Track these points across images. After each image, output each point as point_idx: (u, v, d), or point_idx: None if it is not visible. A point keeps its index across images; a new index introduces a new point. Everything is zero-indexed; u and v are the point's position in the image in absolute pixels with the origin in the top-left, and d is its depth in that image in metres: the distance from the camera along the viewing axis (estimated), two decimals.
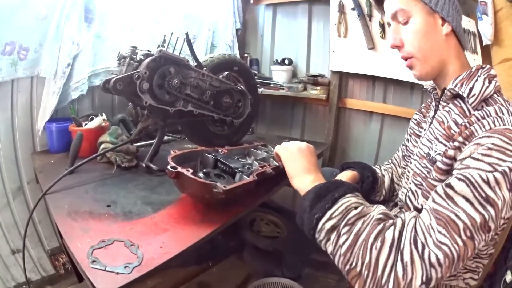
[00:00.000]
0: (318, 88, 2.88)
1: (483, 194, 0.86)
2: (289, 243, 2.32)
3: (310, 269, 1.29)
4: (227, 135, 2.15)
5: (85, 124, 2.07)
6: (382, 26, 2.50)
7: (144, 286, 1.13)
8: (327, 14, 2.82)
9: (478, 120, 1.01)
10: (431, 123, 1.29)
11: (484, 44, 2.05)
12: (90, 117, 2.14)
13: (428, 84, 1.40)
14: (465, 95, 1.10)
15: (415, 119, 1.52)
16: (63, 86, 2.10)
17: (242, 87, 2.06)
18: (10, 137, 2.10)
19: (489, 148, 0.91)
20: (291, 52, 3.20)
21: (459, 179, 0.90)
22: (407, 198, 1.28)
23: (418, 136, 1.43)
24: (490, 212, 0.86)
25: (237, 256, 2.44)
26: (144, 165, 1.77)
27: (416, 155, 1.30)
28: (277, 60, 3.17)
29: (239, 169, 1.49)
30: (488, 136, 0.93)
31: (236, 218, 1.37)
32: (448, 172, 1.04)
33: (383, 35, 2.52)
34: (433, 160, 1.15)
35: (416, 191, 1.23)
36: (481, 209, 0.86)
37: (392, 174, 1.70)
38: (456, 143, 1.01)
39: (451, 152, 1.02)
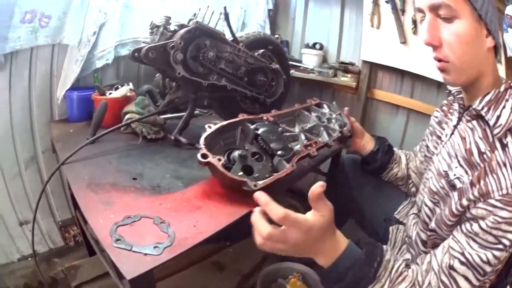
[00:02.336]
0: (349, 75, 2.84)
1: (482, 272, 0.97)
2: None
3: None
4: (257, 113, 2.06)
5: (109, 94, 2.02)
6: (414, 22, 2.45)
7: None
8: (360, 3, 2.77)
9: (499, 166, 0.98)
10: (452, 133, 1.25)
11: (508, 55, 2.02)
12: (115, 86, 2.10)
13: (454, 88, 1.32)
14: (491, 123, 1.04)
15: (436, 117, 1.49)
16: (87, 55, 2.06)
17: (277, 66, 2.00)
18: (26, 105, 2.07)
19: (499, 222, 0.94)
20: (322, 37, 3.15)
21: (462, 262, 0.98)
22: (423, 212, 1.27)
23: (439, 137, 1.40)
24: (489, 275, 0.99)
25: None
26: (172, 137, 1.72)
27: (435, 168, 1.26)
28: (308, 44, 3.13)
29: (280, 152, 1.37)
30: (501, 208, 0.94)
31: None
32: (460, 217, 1.05)
33: (415, 31, 2.47)
34: (451, 183, 1.13)
35: (433, 209, 1.22)
36: (480, 280, 0.98)
37: (408, 157, 1.74)
38: (472, 196, 0.99)
39: (465, 203, 1.01)
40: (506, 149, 0.99)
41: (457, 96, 1.28)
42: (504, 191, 0.94)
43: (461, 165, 1.10)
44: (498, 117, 1.02)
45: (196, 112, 2.33)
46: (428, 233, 1.20)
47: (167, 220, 1.08)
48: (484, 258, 0.96)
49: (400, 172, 1.71)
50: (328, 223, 0.96)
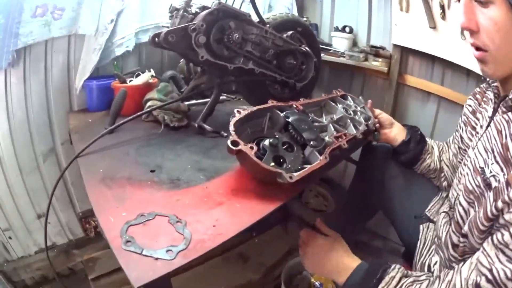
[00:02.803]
0: (380, 60, 2.74)
1: None
2: (334, 219, 2.24)
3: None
4: (286, 99, 1.97)
5: (130, 81, 1.97)
6: (442, 7, 2.33)
7: None
8: None
9: None
10: (488, 125, 1.15)
11: None
12: (136, 73, 2.05)
13: None
14: None
15: (470, 106, 1.41)
16: (105, 43, 2.02)
17: (307, 48, 1.92)
18: (43, 98, 2.06)
19: None
20: (351, 20, 3.05)
21: (488, 280, 0.87)
22: (457, 213, 1.16)
23: (474, 128, 1.32)
24: None
25: (282, 226, 2.36)
26: (196, 125, 1.64)
27: (471, 164, 1.15)
28: (337, 27, 3.03)
29: (312, 143, 1.28)
30: None
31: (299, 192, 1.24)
32: (493, 223, 0.94)
33: (443, 16, 2.35)
34: (486, 182, 1.02)
35: (468, 210, 1.11)
36: None
37: (442, 149, 1.68)
38: (507, 198, 0.87)
39: (500, 205, 0.89)
40: None
41: (492, 84, 1.20)
42: None
43: (497, 162, 1.00)
44: None
45: (223, 97, 2.28)
46: (461, 238, 1.10)
47: (184, 219, 0.99)
48: (509, 274, 0.84)
49: (433, 164, 1.64)
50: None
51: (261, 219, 1.04)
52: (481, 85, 1.39)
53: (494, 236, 0.90)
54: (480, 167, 1.07)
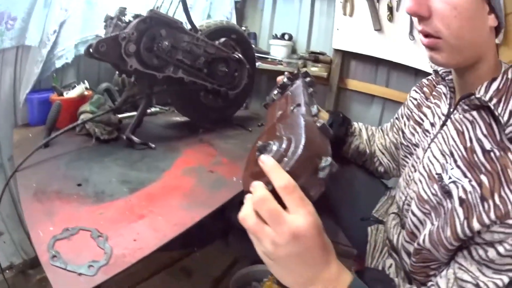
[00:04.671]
0: (319, 65, 2.74)
1: None
2: None
3: None
4: (220, 108, 2.01)
5: (67, 94, 1.90)
6: (390, 9, 2.37)
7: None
8: None
9: None
10: (444, 124, 1.07)
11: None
12: (73, 86, 1.98)
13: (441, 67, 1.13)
14: (502, 120, 0.84)
15: (415, 99, 1.34)
16: (47, 55, 1.94)
17: (239, 55, 1.90)
18: None
19: None
20: (292, 27, 3.06)
21: None
22: (410, 222, 1.07)
23: (419, 124, 1.24)
24: None
25: (224, 240, 2.31)
26: (125, 137, 1.59)
27: (424, 169, 1.06)
28: (276, 34, 3.04)
29: None
30: None
31: (226, 201, 1.20)
32: (464, 241, 0.87)
33: (390, 18, 2.39)
34: (445, 189, 0.93)
35: (423, 220, 1.02)
36: None
37: (372, 133, 1.62)
38: (487, 220, 0.79)
39: (476, 227, 0.81)
40: None
41: (447, 78, 1.09)
42: None
43: (458, 166, 0.91)
44: (511, 113, 0.84)
45: (156, 109, 2.25)
46: (417, 245, 1.00)
47: (106, 233, 0.95)
48: (500, 284, 0.80)
49: (361, 145, 1.58)
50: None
51: (183, 232, 1.01)
52: (430, 77, 1.32)
53: (474, 252, 0.84)
54: (437, 174, 0.99)
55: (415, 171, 1.14)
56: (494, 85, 0.89)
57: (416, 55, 2.32)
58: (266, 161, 0.70)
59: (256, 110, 2.80)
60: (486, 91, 0.89)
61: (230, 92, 1.92)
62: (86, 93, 1.93)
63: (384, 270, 1.20)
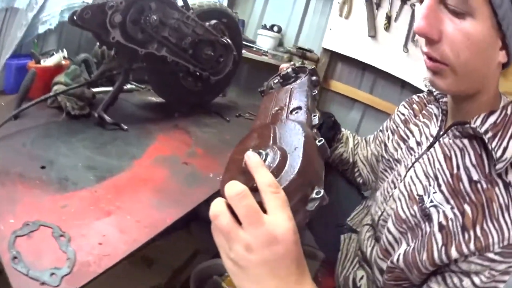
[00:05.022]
0: (306, 62, 2.70)
1: None
2: None
3: None
4: (198, 93, 1.91)
5: (44, 62, 1.77)
6: (388, 18, 2.45)
7: None
8: None
9: (501, 210, 0.80)
10: (431, 145, 1.04)
11: None
12: (51, 54, 1.84)
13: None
14: (496, 155, 0.82)
15: (403, 114, 1.30)
16: (32, 19, 1.82)
17: (228, 40, 1.81)
18: None
19: (494, 276, 0.81)
20: (282, 20, 3.07)
21: None
22: (385, 239, 1.05)
23: (404, 140, 1.21)
24: None
25: (186, 229, 2.23)
26: (96, 115, 1.46)
27: (405, 188, 1.03)
28: (265, 25, 3.01)
29: None
30: (500, 262, 0.80)
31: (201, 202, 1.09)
32: (439, 266, 0.87)
33: (387, 27, 2.47)
34: (425, 212, 0.91)
35: (399, 239, 1.00)
36: None
37: (357, 143, 1.57)
38: (466, 251, 0.80)
39: (454, 255, 0.81)
40: (510, 189, 0.81)
41: (441, 100, 1.07)
42: (505, 242, 0.78)
43: (441, 191, 0.90)
44: (505, 150, 0.82)
45: (132, 86, 2.12)
46: (390, 264, 0.99)
47: (68, 232, 0.82)
48: None
49: (345, 154, 1.53)
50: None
51: (155, 236, 0.90)
52: (421, 95, 1.30)
53: (449, 280, 0.84)
54: (418, 195, 0.97)
55: (395, 187, 1.11)
56: (492, 119, 0.86)
57: (407, 68, 2.37)
58: (252, 158, 0.66)
59: (233, 99, 2.69)
60: (483, 123, 0.86)
61: (212, 77, 1.83)
62: (63, 62, 1.79)
63: (356, 282, 1.19)
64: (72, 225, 0.85)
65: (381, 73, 2.55)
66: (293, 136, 0.75)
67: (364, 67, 2.68)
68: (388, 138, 1.32)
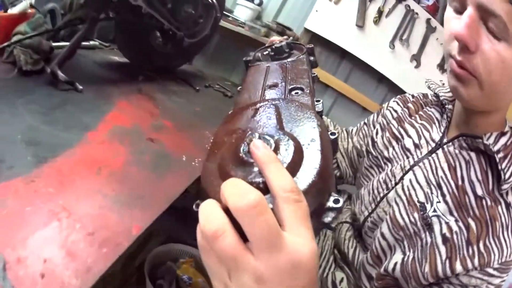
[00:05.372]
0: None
1: None
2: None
3: None
4: (168, 56, 1.71)
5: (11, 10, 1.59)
6: (380, 12, 2.55)
7: None
8: None
9: (502, 229, 0.85)
10: (434, 151, 1.02)
11: None
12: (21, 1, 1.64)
13: (445, 92, 1.10)
14: (504, 175, 0.86)
15: (395, 111, 1.26)
16: None
17: (214, 0, 1.67)
18: None
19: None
20: None
21: None
22: (378, 244, 1.03)
23: (397, 139, 1.17)
24: None
25: None
26: (49, 70, 1.22)
27: (404, 193, 1.01)
28: None
29: None
30: (497, 277, 0.87)
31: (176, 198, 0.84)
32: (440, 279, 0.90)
33: (377, 21, 2.56)
34: (427, 221, 0.92)
35: (393, 246, 1.00)
36: None
37: (337, 131, 1.51)
38: (470, 265, 0.84)
39: (459, 269, 0.85)
40: (511, 210, 0.87)
41: (447, 106, 1.06)
42: (503, 259, 0.85)
43: (446, 202, 0.91)
44: None
45: (96, 43, 1.89)
46: (383, 272, 0.98)
47: (2, 252, 0.55)
48: None
49: None
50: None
51: (122, 254, 0.65)
52: (416, 95, 1.26)
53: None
54: (419, 202, 0.96)
55: (388, 189, 1.08)
56: (503, 140, 0.89)
57: (389, 64, 2.52)
58: (263, 150, 0.47)
59: (200, 68, 2.50)
60: (495, 142, 0.89)
61: (186, 40, 1.64)
62: (29, 11, 1.59)
63: (336, 284, 1.17)
64: (6, 237, 0.58)
65: (360, 64, 2.59)
66: (306, 123, 0.58)
67: (343, 55, 2.69)
68: (377, 134, 1.27)
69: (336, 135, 0.59)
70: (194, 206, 0.48)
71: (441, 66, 2.77)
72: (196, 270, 1.58)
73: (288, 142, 0.50)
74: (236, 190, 0.42)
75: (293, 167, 0.47)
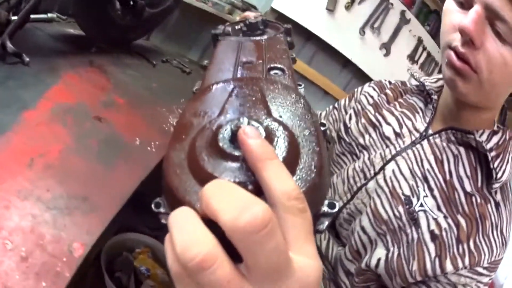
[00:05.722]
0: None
1: None
2: (155, 184, 1.90)
3: None
4: (125, 28, 1.58)
5: None
6: (353, 1, 2.60)
7: None
8: None
9: (492, 228, 0.87)
10: (419, 142, 1.00)
11: None
12: None
13: (431, 82, 1.08)
14: (496, 175, 0.88)
15: (371, 96, 1.22)
16: None
17: None
18: None
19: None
20: None
21: None
22: (357, 238, 1.00)
23: (374, 126, 1.14)
24: None
25: None
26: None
27: (386, 184, 0.98)
28: None
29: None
30: (486, 275, 0.88)
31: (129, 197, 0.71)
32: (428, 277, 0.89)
33: (349, 7, 2.60)
34: (412, 216, 0.91)
35: (374, 241, 0.97)
36: None
37: None
38: (460, 264, 0.85)
39: (449, 269, 0.85)
40: (500, 209, 0.89)
41: (433, 97, 1.04)
42: (493, 258, 0.87)
43: (433, 196, 0.91)
44: (504, 172, 0.89)
45: (53, 16, 1.75)
46: (364, 267, 0.96)
47: None
48: None
49: None
50: None
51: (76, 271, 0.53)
52: (394, 82, 1.23)
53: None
54: (404, 195, 0.94)
55: (367, 179, 1.06)
56: (495, 139, 0.90)
57: (357, 50, 2.57)
58: (257, 139, 0.35)
59: (157, 43, 2.41)
60: (488, 140, 0.90)
61: (147, 9, 1.54)
62: None
63: None
64: None
65: (326, 48, 2.61)
66: (296, 110, 0.46)
67: (309, 37, 2.68)
68: (350, 119, 1.23)
69: (326, 126, 0.50)
70: (153, 206, 0.39)
71: (411, 57, 2.81)
72: (154, 261, 1.50)
73: (281, 132, 0.40)
74: (230, 199, 0.31)
75: (289, 166, 0.37)
